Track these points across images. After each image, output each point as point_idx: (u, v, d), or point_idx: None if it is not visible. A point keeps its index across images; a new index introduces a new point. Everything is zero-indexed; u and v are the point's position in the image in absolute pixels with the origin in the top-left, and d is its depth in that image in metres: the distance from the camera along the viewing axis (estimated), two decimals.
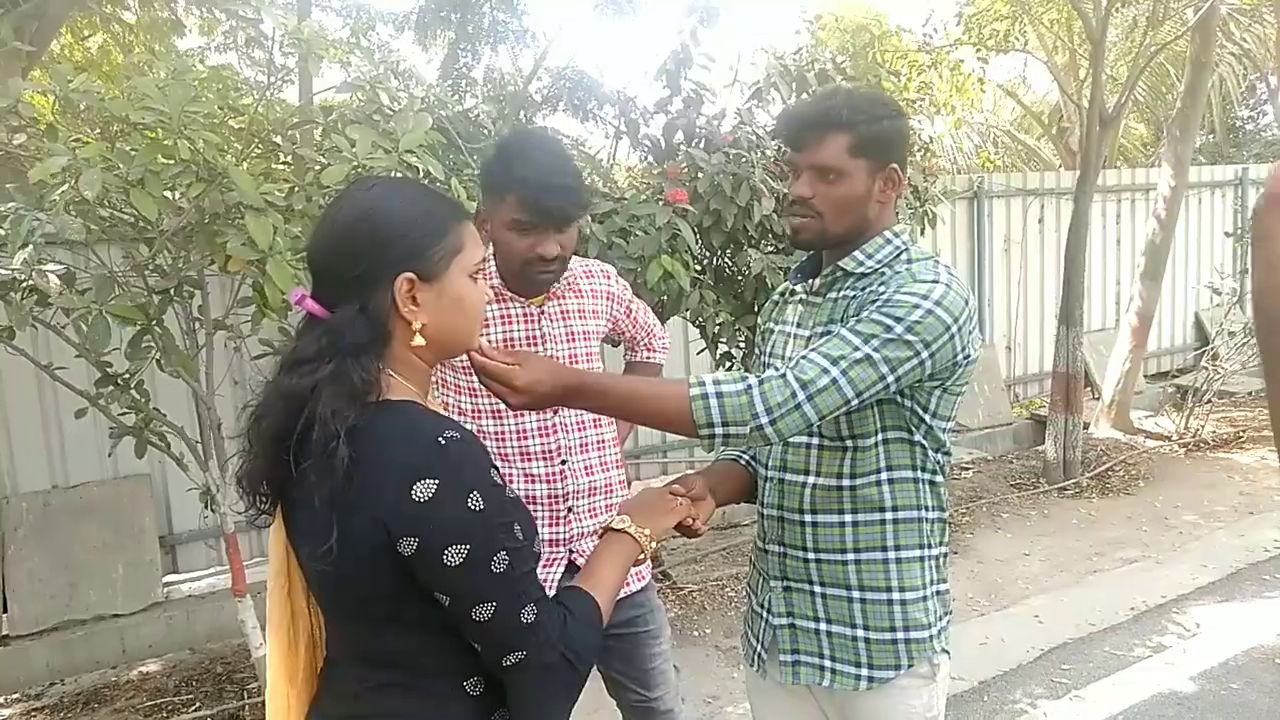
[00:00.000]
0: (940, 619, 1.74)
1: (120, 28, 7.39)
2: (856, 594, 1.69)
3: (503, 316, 2.14)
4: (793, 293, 1.85)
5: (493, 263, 2.14)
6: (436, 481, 1.15)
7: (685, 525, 1.62)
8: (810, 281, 1.80)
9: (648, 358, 2.59)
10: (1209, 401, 7.12)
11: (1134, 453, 6.74)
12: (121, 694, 3.95)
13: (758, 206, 3.89)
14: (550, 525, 2.16)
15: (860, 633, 1.69)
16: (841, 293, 1.71)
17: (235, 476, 1.29)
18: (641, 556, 1.47)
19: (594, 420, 2.22)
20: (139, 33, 7.41)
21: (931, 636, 1.70)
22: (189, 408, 4.06)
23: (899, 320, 1.53)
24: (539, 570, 1.36)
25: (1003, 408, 7.35)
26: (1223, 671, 3.69)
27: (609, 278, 2.36)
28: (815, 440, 1.69)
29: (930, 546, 1.72)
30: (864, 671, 1.69)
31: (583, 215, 2.28)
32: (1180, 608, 4.34)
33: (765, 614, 1.81)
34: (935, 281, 1.58)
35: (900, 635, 1.68)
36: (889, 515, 1.68)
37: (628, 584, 2.18)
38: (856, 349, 1.51)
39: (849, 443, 1.67)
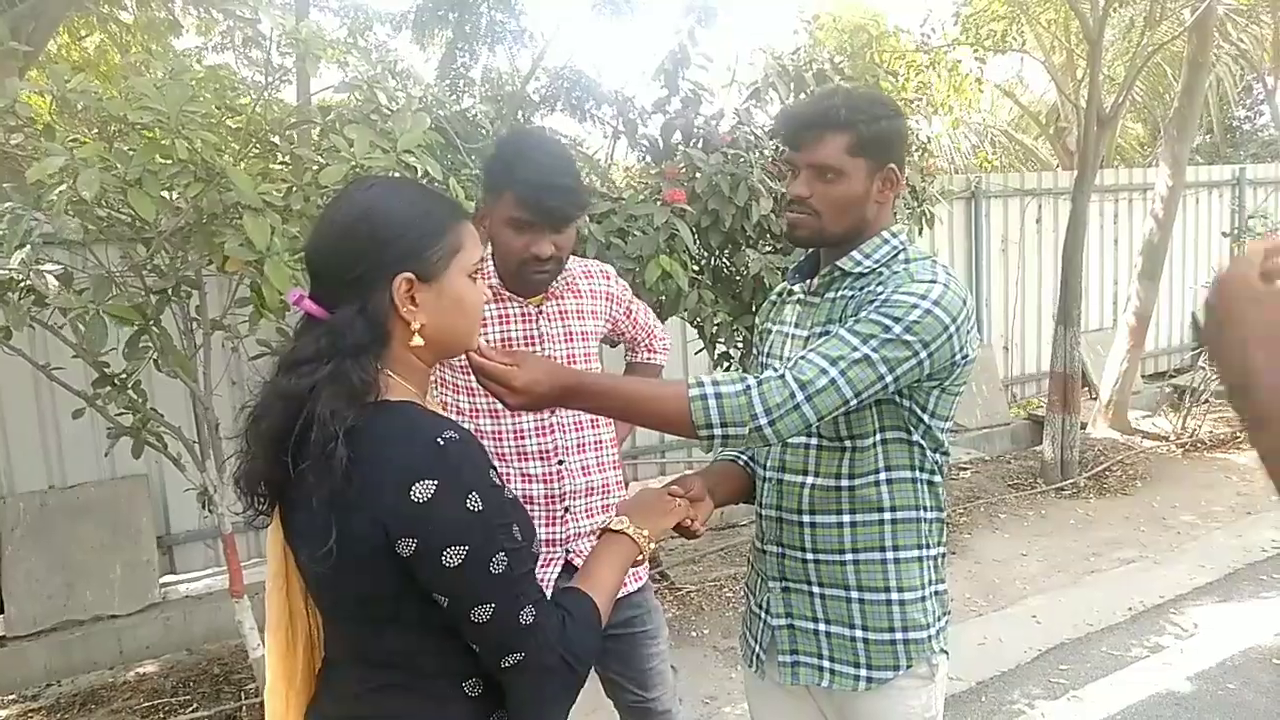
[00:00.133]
0: (939, 619, 1.74)
1: (117, 28, 7.39)
2: (855, 594, 1.69)
3: (500, 316, 2.14)
4: (790, 293, 1.85)
5: (490, 262, 2.14)
6: (435, 482, 1.15)
7: (684, 526, 1.62)
8: (808, 281, 1.80)
9: (648, 359, 2.58)
10: (1206, 402, 7.12)
11: (1131, 453, 6.74)
12: (119, 695, 3.94)
13: (756, 206, 3.89)
14: (547, 525, 2.16)
15: (859, 633, 1.69)
16: (839, 293, 1.71)
17: (233, 477, 1.29)
18: (640, 558, 1.47)
19: (591, 421, 2.22)
20: (136, 32, 7.40)
21: (930, 637, 1.70)
22: (186, 408, 4.06)
23: (897, 320, 1.53)
24: (536, 570, 1.36)
25: (1000, 408, 7.35)
26: (1220, 672, 3.69)
27: (608, 278, 2.35)
28: (813, 441, 1.69)
29: (928, 547, 1.73)
30: (863, 672, 1.69)
31: (581, 216, 2.28)
32: (1178, 608, 4.34)
33: (764, 615, 1.81)
34: (933, 281, 1.59)
35: (899, 636, 1.68)
36: (887, 515, 1.68)
37: (625, 584, 2.18)
38: (855, 349, 1.51)
39: (847, 443, 1.67)
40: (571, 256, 2.19)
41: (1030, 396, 7.98)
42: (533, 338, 2.15)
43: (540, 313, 2.17)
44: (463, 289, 1.29)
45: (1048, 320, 7.37)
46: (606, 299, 2.32)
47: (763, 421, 1.47)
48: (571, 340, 2.20)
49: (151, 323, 2.86)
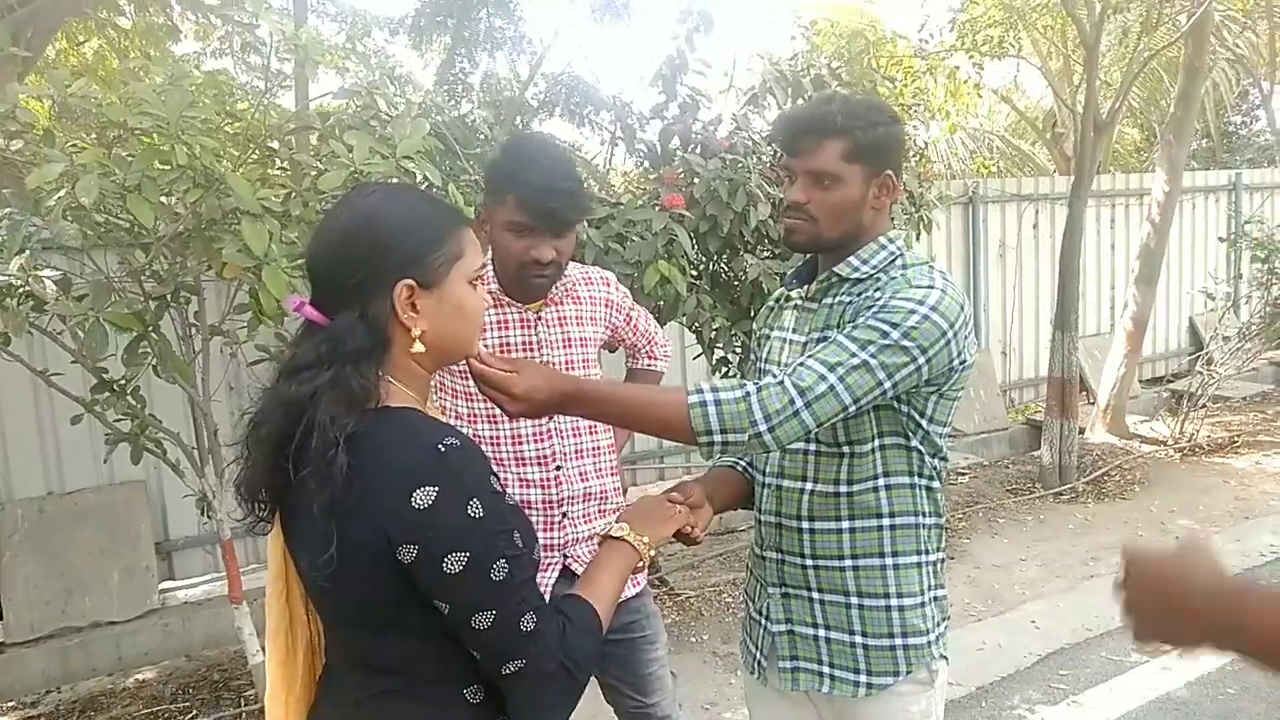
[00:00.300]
0: (938, 625, 1.74)
1: (115, 33, 7.39)
2: (854, 600, 1.69)
3: (499, 322, 2.14)
4: (788, 298, 1.86)
5: (490, 268, 2.14)
6: (436, 489, 1.15)
7: (684, 533, 1.62)
8: (806, 287, 1.80)
9: (649, 365, 2.59)
10: (1204, 406, 7.13)
11: (1129, 457, 6.75)
12: (118, 702, 3.93)
13: (754, 212, 3.90)
14: (545, 530, 2.17)
15: (858, 639, 1.69)
16: (837, 298, 1.71)
17: (234, 484, 1.29)
18: (640, 564, 1.47)
19: (589, 426, 2.22)
20: (134, 38, 7.40)
21: (929, 642, 1.70)
22: (185, 414, 4.05)
23: (895, 326, 1.53)
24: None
25: (998, 413, 7.35)
26: (1219, 677, 3.69)
27: (608, 285, 2.35)
28: (812, 447, 1.70)
29: (927, 552, 1.73)
30: (863, 678, 1.69)
31: (581, 220, 2.28)
32: None
33: (763, 620, 1.81)
34: (930, 287, 1.59)
35: (898, 641, 1.68)
36: (886, 521, 1.68)
37: (624, 590, 2.18)
38: (853, 355, 1.51)
39: (846, 449, 1.67)
40: (571, 263, 2.19)
41: (1028, 401, 7.99)
42: (531, 344, 2.16)
43: (539, 319, 2.17)
44: (463, 295, 1.29)
45: (1045, 325, 7.38)
46: (606, 306, 2.33)
47: (762, 428, 1.48)
48: (570, 346, 2.20)
49: (150, 329, 2.86)
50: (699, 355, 4.40)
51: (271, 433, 1.21)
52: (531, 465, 2.15)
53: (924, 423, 1.66)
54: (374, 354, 1.22)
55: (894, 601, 1.68)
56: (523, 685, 1.22)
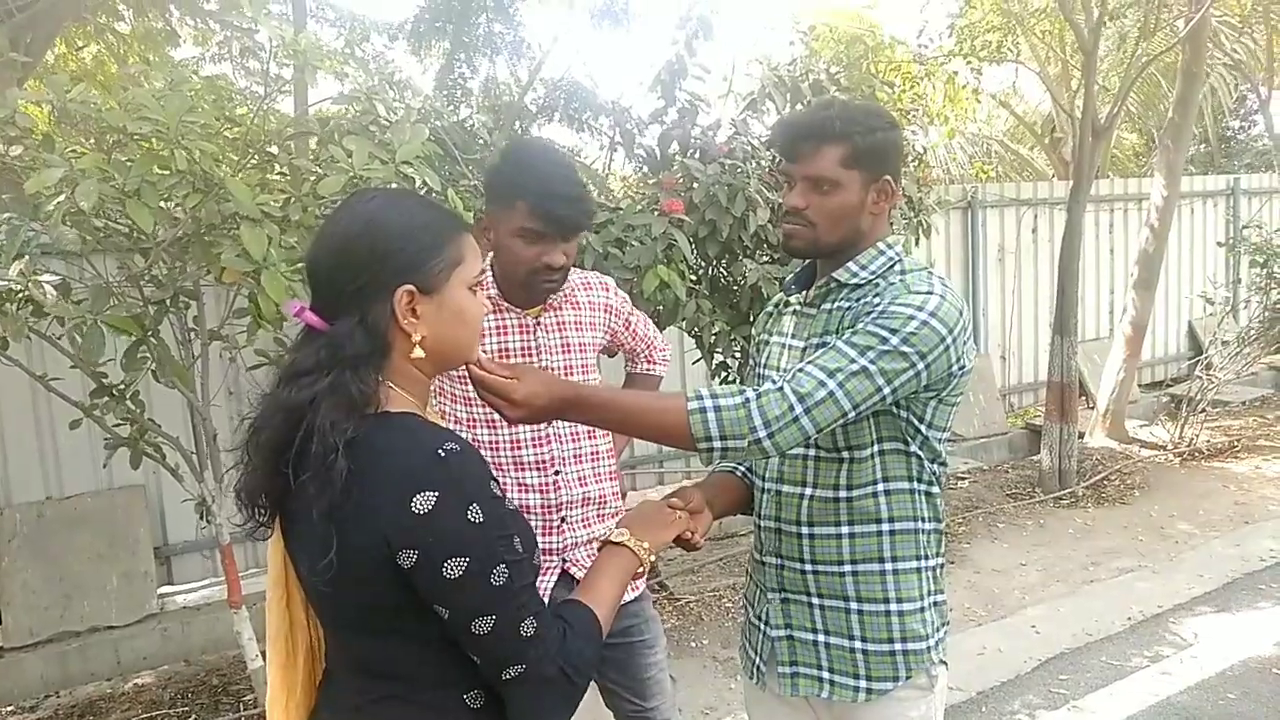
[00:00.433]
0: (938, 630, 1.74)
1: (114, 38, 7.39)
2: (854, 605, 1.69)
3: (498, 327, 2.14)
4: (787, 303, 1.86)
5: (489, 273, 2.15)
6: (436, 494, 1.15)
7: (684, 538, 1.62)
8: (805, 293, 1.80)
9: (648, 370, 2.59)
10: (1203, 411, 7.14)
11: (1129, 462, 6.75)
12: (116, 706, 3.93)
13: (753, 217, 3.90)
14: (544, 535, 2.17)
15: (858, 644, 1.69)
16: (836, 304, 1.72)
17: (234, 489, 1.29)
18: (640, 570, 1.47)
19: (588, 431, 2.22)
20: (133, 43, 7.41)
21: (929, 647, 1.70)
22: (184, 418, 4.05)
23: (894, 332, 1.53)
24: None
25: (998, 417, 7.35)
26: (1219, 682, 3.69)
27: (607, 290, 2.36)
28: (811, 452, 1.70)
29: (927, 557, 1.73)
30: (862, 683, 1.68)
31: (590, 225, 2.30)
32: (1177, 618, 4.34)
33: (763, 626, 1.81)
34: (929, 293, 1.59)
35: (898, 646, 1.68)
36: (885, 527, 1.68)
37: None
38: (853, 361, 1.51)
39: (845, 454, 1.67)
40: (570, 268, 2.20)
41: (1028, 406, 7.99)
42: (530, 349, 2.16)
43: (538, 324, 2.17)
44: (463, 301, 1.29)
45: (1044, 330, 7.39)
46: (605, 311, 2.33)
47: (762, 434, 1.48)
48: (569, 352, 2.20)
49: (149, 333, 2.86)
50: (698, 360, 4.40)
51: (271, 438, 1.21)
52: (530, 470, 2.15)
53: (923, 428, 1.66)
54: (374, 359, 1.22)
55: (893, 606, 1.68)
56: (522, 690, 1.22)
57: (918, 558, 1.71)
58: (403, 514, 1.14)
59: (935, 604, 1.74)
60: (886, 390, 1.53)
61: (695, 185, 3.93)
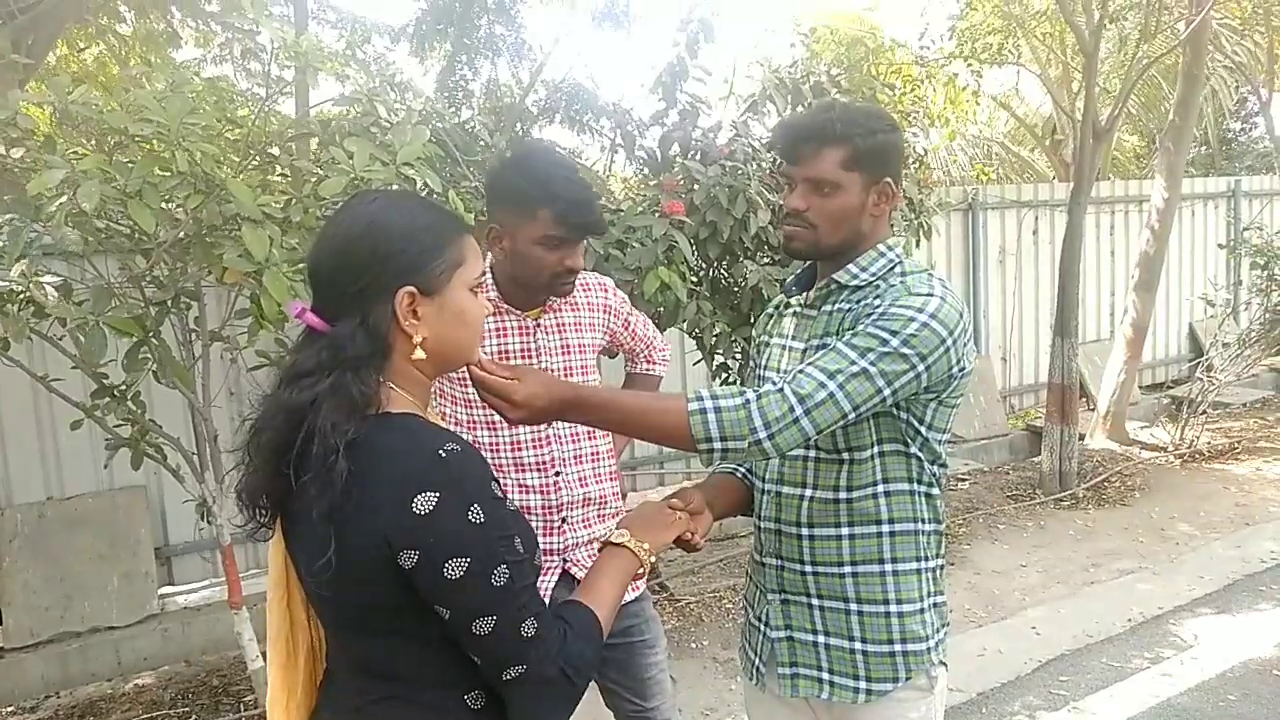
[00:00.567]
0: (937, 631, 1.74)
1: (116, 39, 7.40)
2: (854, 606, 1.69)
3: (498, 329, 2.15)
4: (788, 305, 1.86)
5: (489, 275, 2.15)
6: (437, 494, 1.15)
7: (684, 539, 1.62)
8: (805, 294, 1.80)
9: (648, 370, 2.60)
10: (1204, 412, 7.13)
11: (1130, 464, 6.75)
12: (117, 707, 3.93)
13: (754, 218, 3.91)
14: (545, 535, 2.17)
15: (858, 645, 1.69)
16: (836, 305, 1.72)
17: (235, 489, 1.29)
18: (640, 571, 1.47)
19: (589, 432, 2.23)
20: (135, 44, 7.41)
21: (929, 649, 1.70)
22: (185, 419, 4.05)
23: (894, 334, 1.54)
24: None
25: (998, 419, 7.35)
26: (1220, 683, 3.69)
27: (606, 290, 2.36)
28: (812, 453, 1.70)
29: (927, 559, 1.73)
30: (862, 684, 1.69)
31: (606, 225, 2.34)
32: (1177, 619, 4.34)
33: (763, 627, 1.81)
34: (930, 295, 1.59)
35: (898, 647, 1.68)
36: (885, 528, 1.68)
37: None
38: (853, 363, 1.52)
39: (845, 456, 1.67)
40: None
41: (1028, 407, 7.99)
42: (530, 351, 2.16)
43: (538, 326, 2.18)
44: (464, 302, 1.30)
45: (1045, 331, 7.39)
46: (604, 311, 2.33)
47: (762, 435, 1.48)
48: (569, 353, 2.21)
49: (150, 334, 2.86)
50: (699, 361, 4.40)
51: (272, 439, 1.22)
52: (531, 471, 2.16)
53: (923, 429, 1.66)
54: (375, 360, 1.22)
55: (893, 608, 1.68)
56: (523, 690, 1.22)
57: (918, 559, 1.71)
58: (404, 514, 1.14)
59: (935, 605, 1.74)
60: (887, 392, 1.53)
61: (696, 187, 3.93)
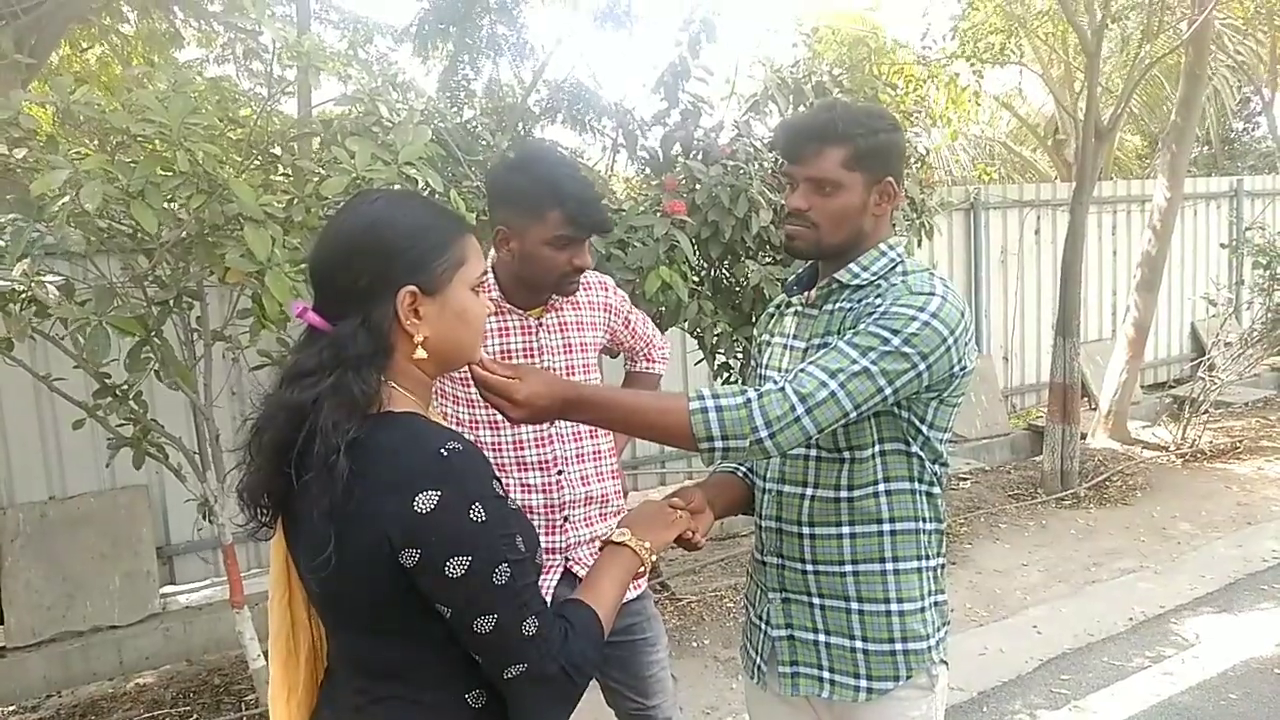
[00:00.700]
0: (938, 630, 1.74)
1: (119, 39, 7.41)
2: (855, 605, 1.69)
3: (500, 329, 2.15)
4: (789, 304, 1.86)
5: (491, 275, 2.15)
6: (439, 493, 1.15)
7: (685, 538, 1.62)
8: (806, 293, 1.81)
9: (647, 368, 2.60)
10: (1206, 412, 7.13)
11: (1131, 463, 6.74)
12: (118, 706, 3.94)
13: (755, 218, 3.91)
14: (547, 534, 2.18)
15: (859, 644, 1.69)
16: (838, 305, 1.72)
17: (236, 489, 1.30)
18: (641, 569, 1.48)
19: (590, 431, 2.23)
20: (137, 45, 7.42)
21: (930, 647, 1.70)
22: (187, 419, 4.06)
23: (896, 333, 1.54)
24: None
25: (1000, 418, 7.35)
26: (1221, 682, 3.69)
27: (606, 289, 2.37)
28: (813, 452, 1.70)
29: (928, 558, 1.73)
30: (863, 683, 1.69)
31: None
32: (1178, 618, 4.34)
33: (764, 625, 1.81)
34: (931, 294, 1.59)
35: (899, 646, 1.68)
36: (887, 527, 1.68)
37: None
38: (854, 362, 1.52)
39: (846, 454, 1.67)
40: None
41: (1030, 407, 7.99)
42: (532, 350, 2.17)
43: (540, 325, 2.18)
44: (466, 302, 1.30)
45: (1047, 331, 7.38)
46: (605, 310, 2.34)
47: (763, 434, 1.48)
48: (571, 352, 2.21)
49: (153, 334, 2.86)
50: (700, 361, 4.40)
51: (274, 438, 1.22)
52: (533, 470, 2.16)
53: (924, 428, 1.66)
54: (376, 360, 1.23)
55: (894, 606, 1.68)
56: (524, 689, 1.23)
57: (919, 558, 1.71)
58: (405, 513, 1.15)
59: (936, 604, 1.75)
60: (888, 391, 1.53)
61: (698, 186, 3.94)
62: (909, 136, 5.09)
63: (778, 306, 1.92)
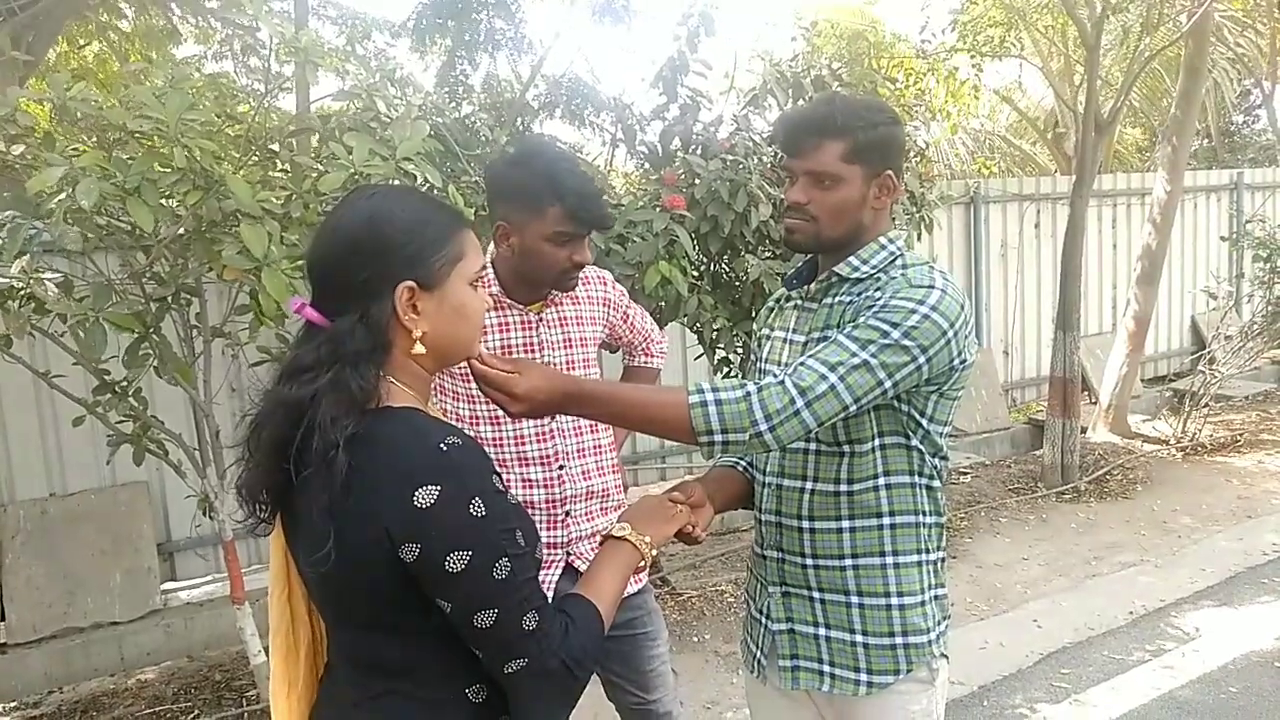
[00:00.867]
0: (939, 623, 1.74)
1: (116, 36, 7.40)
2: (855, 599, 1.69)
3: (500, 324, 2.15)
4: (788, 298, 1.86)
5: (491, 270, 2.15)
6: (438, 488, 1.15)
7: (685, 533, 1.62)
8: (806, 287, 1.80)
9: (645, 362, 2.60)
10: (1206, 405, 7.13)
11: (1131, 457, 6.75)
12: (120, 702, 3.94)
13: (755, 212, 3.90)
14: (549, 529, 2.18)
15: (859, 638, 1.69)
16: (837, 298, 1.72)
17: (235, 485, 1.29)
18: (642, 564, 1.47)
19: (591, 426, 2.23)
20: (135, 41, 7.41)
21: (930, 641, 1.70)
22: (187, 415, 4.06)
23: (895, 326, 1.53)
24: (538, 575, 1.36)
25: (1000, 412, 7.35)
26: (1221, 676, 3.69)
27: (605, 284, 2.36)
28: (812, 446, 1.70)
29: (928, 551, 1.73)
30: (863, 676, 1.69)
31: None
32: (1179, 612, 4.34)
33: (764, 619, 1.81)
34: (931, 287, 1.59)
35: (899, 640, 1.68)
36: (886, 520, 1.68)
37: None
38: (854, 355, 1.51)
39: (846, 448, 1.67)
40: None
41: (1030, 401, 7.99)
42: (533, 345, 2.16)
43: (540, 320, 2.18)
44: (464, 297, 1.29)
45: (1047, 325, 7.38)
46: (604, 305, 2.33)
47: (763, 428, 1.48)
48: (571, 347, 2.21)
49: (151, 330, 2.86)
50: (700, 356, 4.40)
51: (272, 434, 1.22)
52: (534, 465, 2.16)
53: (924, 422, 1.66)
54: (375, 355, 1.22)
55: (894, 600, 1.68)
56: (525, 683, 1.22)
57: (919, 551, 1.71)
58: (405, 508, 1.14)
59: (936, 598, 1.74)
60: (888, 384, 1.53)
61: (697, 181, 3.93)
62: (908, 130, 5.07)
63: (777, 300, 1.92)
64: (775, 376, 1.52)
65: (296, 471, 1.20)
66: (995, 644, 4.08)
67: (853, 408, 1.52)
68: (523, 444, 2.15)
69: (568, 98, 5.45)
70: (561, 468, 2.18)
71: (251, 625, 3.31)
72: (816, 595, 1.72)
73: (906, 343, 1.53)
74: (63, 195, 2.48)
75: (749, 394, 1.49)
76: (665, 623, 2.48)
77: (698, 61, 4.46)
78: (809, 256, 1.84)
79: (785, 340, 1.80)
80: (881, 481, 1.67)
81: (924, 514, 1.71)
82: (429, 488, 1.15)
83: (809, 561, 1.72)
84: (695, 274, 4.00)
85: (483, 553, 1.17)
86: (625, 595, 2.19)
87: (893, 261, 1.71)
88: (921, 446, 1.68)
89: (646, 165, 4.78)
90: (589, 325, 2.27)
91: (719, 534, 5.45)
